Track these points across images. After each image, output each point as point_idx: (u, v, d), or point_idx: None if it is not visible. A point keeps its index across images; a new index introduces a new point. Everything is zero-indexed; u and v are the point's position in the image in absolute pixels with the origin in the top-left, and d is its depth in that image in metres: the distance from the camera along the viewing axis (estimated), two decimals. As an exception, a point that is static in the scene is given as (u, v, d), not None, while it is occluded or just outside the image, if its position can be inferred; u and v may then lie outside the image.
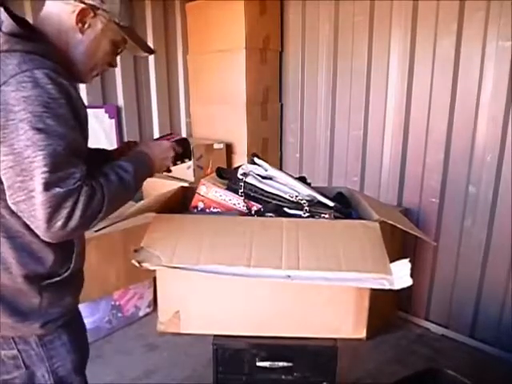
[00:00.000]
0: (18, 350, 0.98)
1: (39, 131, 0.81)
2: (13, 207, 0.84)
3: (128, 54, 3.17)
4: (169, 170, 1.23)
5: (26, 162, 0.80)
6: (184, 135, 3.38)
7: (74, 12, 0.94)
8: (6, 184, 0.83)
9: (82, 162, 0.88)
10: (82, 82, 1.06)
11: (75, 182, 0.84)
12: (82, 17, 0.95)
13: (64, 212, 0.82)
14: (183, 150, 1.23)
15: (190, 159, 1.28)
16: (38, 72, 0.83)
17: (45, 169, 0.80)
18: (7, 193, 0.84)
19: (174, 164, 1.21)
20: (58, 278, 0.99)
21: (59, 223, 0.83)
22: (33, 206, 0.81)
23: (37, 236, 0.89)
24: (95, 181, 0.90)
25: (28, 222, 0.85)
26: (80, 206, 0.84)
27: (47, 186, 0.81)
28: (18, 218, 0.87)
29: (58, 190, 0.81)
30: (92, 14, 0.96)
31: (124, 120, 3.01)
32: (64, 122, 0.85)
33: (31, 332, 0.98)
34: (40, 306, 0.97)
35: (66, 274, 1.00)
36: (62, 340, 1.03)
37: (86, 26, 0.96)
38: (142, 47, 1.10)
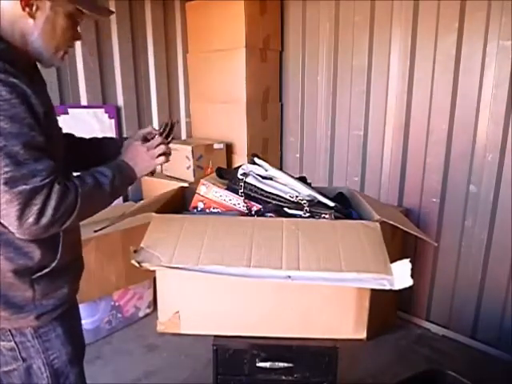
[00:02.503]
0: (15, 343, 1.00)
1: None
2: None
3: (128, 53, 3.15)
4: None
5: None
6: (184, 135, 3.37)
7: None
8: None
9: (47, 157, 0.87)
10: (53, 65, 1.04)
11: (42, 178, 0.84)
12: (26, 1, 0.92)
13: (34, 208, 0.83)
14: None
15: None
16: None
17: (5, 169, 0.80)
18: None
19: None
20: (47, 270, 1.00)
21: (30, 220, 0.83)
22: (2, 205, 0.82)
23: None
24: (69, 181, 0.90)
25: (3, 221, 0.86)
26: (52, 203, 0.84)
27: (11, 184, 0.81)
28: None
29: (24, 187, 0.82)
30: None
31: (124, 120, 3.00)
32: (19, 122, 0.84)
33: (27, 324, 0.99)
34: (34, 299, 0.99)
35: (53, 265, 1.01)
36: (57, 332, 1.05)
37: (34, 8, 0.93)
38: (98, 12, 1.06)
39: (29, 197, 0.82)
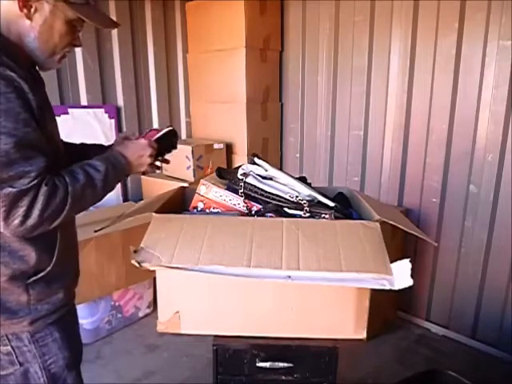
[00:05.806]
0: (12, 347, 0.99)
1: None
2: None
3: (128, 53, 3.15)
4: (157, 167, 1.19)
5: None
6: (184, 135, 3.37)
7: None
8: None
9: (39, 155, 0.86)
10: (48, 68, 1.03)
11: (30, 180, 0.83)
12: (24, 2, 0.90)
13: (20, 211, 0.82)
14: (168, 142, 1.19)
15: (175, 148, 1.24)
16: None
17: None
18: None
19: (156, 159, 1.17)
20: (42, 274, 0.99)
21: (16, 222, 0.83)
22: None
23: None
24: (60, 178, 0.88)
25: None
26: (38, 205, 0.84)
27: None
28: None
29: (9, 189, 0.81)
30: None
31: (124, 120, 3.00)
32: (14, 117, 0.83)
33: (21, 329, 0.98)
34: (28, 303, 0.98)
35: (49, 269, 1.00)
36: (54, 337, 1.04)
37: (32, 10, 0.92)
38: (100, 23, 1.03)
39: (14, 199, 0.82)
